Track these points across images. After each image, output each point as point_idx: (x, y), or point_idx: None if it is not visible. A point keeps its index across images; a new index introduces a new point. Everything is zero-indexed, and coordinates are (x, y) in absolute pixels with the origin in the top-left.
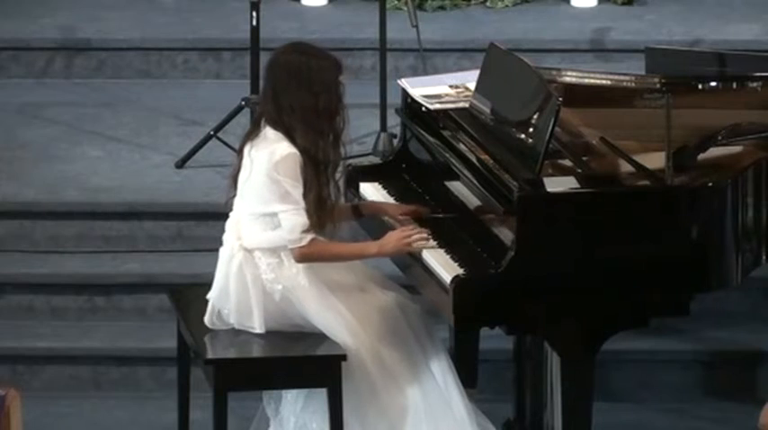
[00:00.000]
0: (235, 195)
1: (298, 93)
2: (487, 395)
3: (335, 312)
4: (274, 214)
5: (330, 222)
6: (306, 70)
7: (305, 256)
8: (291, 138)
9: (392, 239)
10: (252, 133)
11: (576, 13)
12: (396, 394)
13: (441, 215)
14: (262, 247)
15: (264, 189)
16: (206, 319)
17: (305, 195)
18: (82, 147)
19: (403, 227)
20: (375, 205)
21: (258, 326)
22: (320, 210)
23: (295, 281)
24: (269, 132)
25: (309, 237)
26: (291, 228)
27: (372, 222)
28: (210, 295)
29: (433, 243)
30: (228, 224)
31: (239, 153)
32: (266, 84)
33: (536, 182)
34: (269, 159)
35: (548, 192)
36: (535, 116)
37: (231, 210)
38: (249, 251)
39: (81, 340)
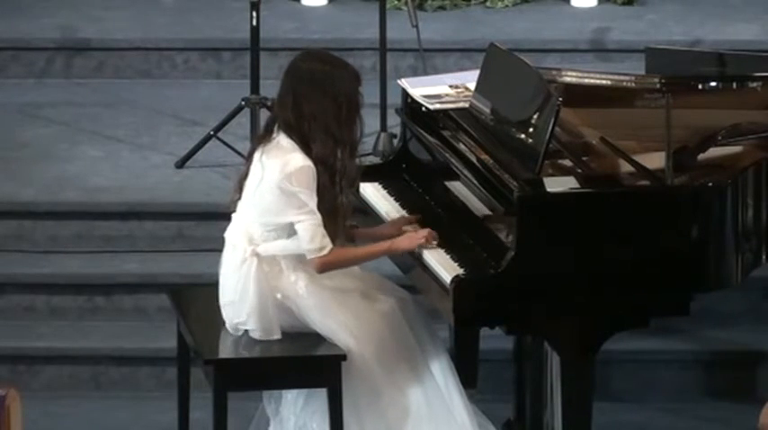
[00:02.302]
0: (239, 198)
1: (322, 101)
2: (487, 395)
3: (335, 319)
4: (290, 224)
5: (341, 233)
6: (330, 79)
7: (326, 265)
8: (307, 147)
9: (406, 236)
10: (264, 139)
11: (576, 13)
12: (397, 395)
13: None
14: (267, 255)
15: (278, 200)
16: (228, 327)
17: (318, 206)
18: (82, 147)
19: (424, 231)
20: (369, 232)
21: (276, 332)
22: (332, 221)
23: (293, 290)
24: (282, 140)
25: (329, 246)
26: (311, 238)
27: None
28: (225, 300)
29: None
30: (235, 228)
31: (249, 158)
32: (285, 91)
33: (536, 182)
34: (281, 170)
35: (548, 192)
36: (535, 116)
37: (234, 211)
38: (260, 257)
39: (81, 340)
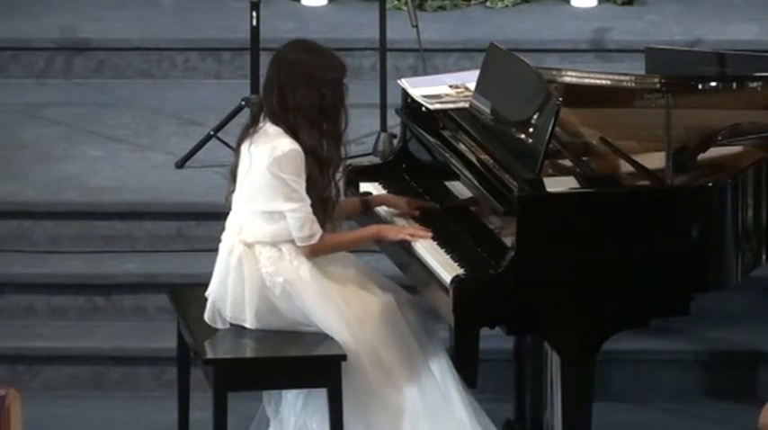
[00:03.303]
0: (234, 190)
1: (306, 92)
2: (487, 395)
3: (335, 308)
4: (280, 212)
5: (330, 222)
6: (314, 69)
7: (315, 252)
8: (295, 135)
9: (396, 228)
10: (250, 128)
11: (576, 13)
12: (394, 394)
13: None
14: (263, 241)
15: (267, 186)
16: (206, 316)
17: (308, 194)
18: (82, 147)
19: (412, 225)
20: (385, 198)
21: (249, 322)
22: (322, 210)
23: (296, 274)
24: (269, 128)
25: (319, 233)
26: (301, 226)
27: (370, 221)
28: (209, 290)
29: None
30: (229, 219)
31: (237, 149)
32: (271, 81)
33: (536, 182)
34: (270, 154)
35: (548, 192)
36: (535, 116)
37: (230, 206)
38: (249, 245)
39: (81, 340)
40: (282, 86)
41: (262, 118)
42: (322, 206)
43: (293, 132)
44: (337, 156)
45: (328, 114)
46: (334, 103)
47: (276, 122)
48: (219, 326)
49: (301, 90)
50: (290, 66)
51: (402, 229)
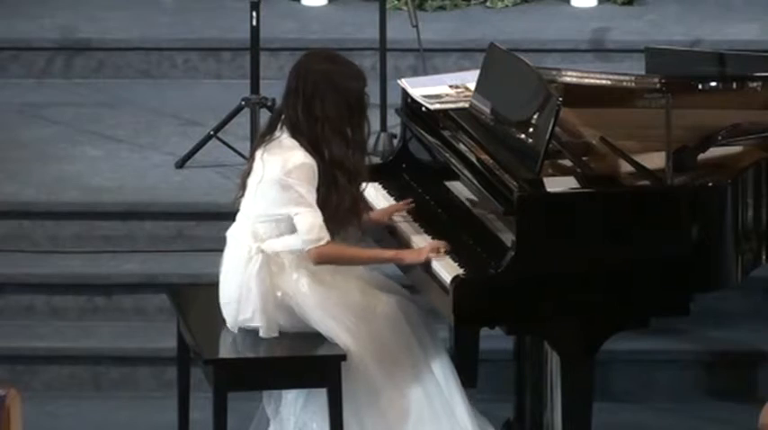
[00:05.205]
0: (242, 196)
1: (335, 102)
2: (487, 395)
3: (336, 319)
4: (288, 216)
5: (342, 230)
6: (341, 78)
7: (323, 256)
8: (315, 148)
9: (416, 250)
10: (266, 136)
11: (576, 13)
12: (397, 395)
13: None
14: (275, 251)
15: (279, 196)
16: (230, 326)
17: (326, 203)
18: (82, 147)
19: (433, 243)
20: (371, 216)
21: (275, 331)
22: (351, 220)
23: (295, 287)
24: (285, 139)
25: (326, 238)
26: (309, 229)
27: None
28: (226, 300)
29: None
30: (239, 226)
31: (251, 155)
32: (295, 91)
33: (536, 182)
34: (282, 167)
35: (548, 192)
36: (535, 116)
37: (238, 209)
38: (265, 254)
39: (81, 340)
40: (310, 96)
41: (279, 127)
42: (352, 214)
43: (315, 144)
44: (363, 165)
45: (354, 124)
46: (359, 112)
47: (296, 134)
48: (237, 330)
49: (330, 100)
50: (318, 76)
51: (420, 252)
